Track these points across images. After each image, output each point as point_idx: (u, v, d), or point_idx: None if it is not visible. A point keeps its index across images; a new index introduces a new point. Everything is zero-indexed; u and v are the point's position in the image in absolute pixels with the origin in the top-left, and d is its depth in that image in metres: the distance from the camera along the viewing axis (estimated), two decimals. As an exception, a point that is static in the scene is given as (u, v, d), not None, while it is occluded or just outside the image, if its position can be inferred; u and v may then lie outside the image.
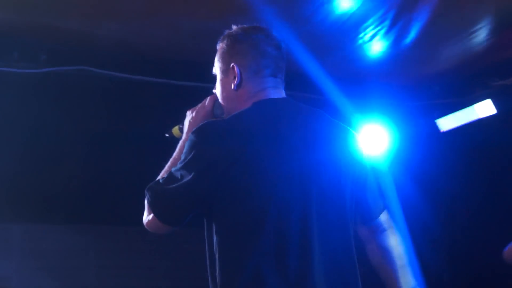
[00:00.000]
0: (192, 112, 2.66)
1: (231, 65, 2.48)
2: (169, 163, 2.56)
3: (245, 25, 2.55)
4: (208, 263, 2.39)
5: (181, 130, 2.74)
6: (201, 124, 2.39)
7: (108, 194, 6.20)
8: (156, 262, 6.64)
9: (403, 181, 6.72)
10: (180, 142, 2.60)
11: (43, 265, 6.28)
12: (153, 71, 5.52)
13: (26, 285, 6.20)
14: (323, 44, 5.36)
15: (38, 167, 5.98)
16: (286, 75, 2.60)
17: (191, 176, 2.26)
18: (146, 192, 2.41)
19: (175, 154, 2.57)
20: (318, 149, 2.37)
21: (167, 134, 2.85)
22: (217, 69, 2.56)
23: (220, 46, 2.55)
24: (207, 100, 2.64)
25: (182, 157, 2.35)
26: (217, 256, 2.31)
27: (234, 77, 2.46)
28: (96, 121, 5.95)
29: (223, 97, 2.53)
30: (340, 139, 2.48)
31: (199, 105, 2.66)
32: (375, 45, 5.43)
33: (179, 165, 2.34)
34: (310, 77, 5.53)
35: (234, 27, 2.57)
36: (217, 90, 2.56)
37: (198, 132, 2.34)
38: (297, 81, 5.90)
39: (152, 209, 2.37)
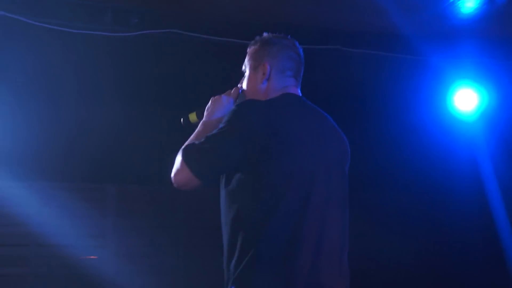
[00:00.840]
0: (216, 100, 2.98)
1: (262, 63, 2.91)
2: (193, 136, 2.86)
3: (275, 34, 3.01)
4: (228, 228, 2.66)
5: (199, 116, 3.00)
6: (244, 100, 2.79)
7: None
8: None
9: (493, 143, 6.65)
10: (203, 123, 2.92)
11: (136, 224, 6.52)
12: (241, 33, 5.55)
13: (120, 243, 6.47)
14: (414, 2, 5.25)
15: (133, 129, 6.19)
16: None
17: (231, 139, 2.61)
18: (182, 150, 2.70)
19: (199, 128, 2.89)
20: (334, 142, 2.85)
21: (182, 119, 3.06)
22: (247, 66, 2.97)
23: (252, 48, 2.99)
24: (232, 91, 3.00)
25: (222, 125, 2.66)
26: (241, 218, 2.61)
27: (263, 73, 2.90)
28: (186, 82, 6.05)
29: (251, 90, 2.92)
30: (341, 138, 2.92)
31: (223, 94, 2.99)
32: (468, 1, 5.27)
33: (218, 130, 2.65)
34: (403, 37, 5.46)
35: (265, 34, 3.01)
36: (245, 84, 2.97)
37: (243, 104, 2.70)
38: (391, 41, 5.83)
39: (187, 162, 2.63)
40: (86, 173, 6.23)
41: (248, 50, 3.01)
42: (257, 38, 3.02)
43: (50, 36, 5.18)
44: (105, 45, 5.43)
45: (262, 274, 2.53)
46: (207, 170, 2.63)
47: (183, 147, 2.72)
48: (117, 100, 5.99)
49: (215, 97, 3.00)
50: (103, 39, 5.34)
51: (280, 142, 2.60)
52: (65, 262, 6.12)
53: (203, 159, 2.62)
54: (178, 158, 2.69)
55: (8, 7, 5.02)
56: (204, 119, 2.93)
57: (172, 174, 2.70)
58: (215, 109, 2.93)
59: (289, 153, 2.62)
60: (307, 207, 2.62)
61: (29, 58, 5.46)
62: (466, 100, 6.55)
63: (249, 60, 2.99)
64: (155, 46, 5.64)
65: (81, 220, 6.28)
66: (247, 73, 2.99)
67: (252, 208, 2.59)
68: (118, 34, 5.34)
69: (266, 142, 2.58)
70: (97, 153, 6.08)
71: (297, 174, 2.62)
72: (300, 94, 2.95)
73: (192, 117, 3.04)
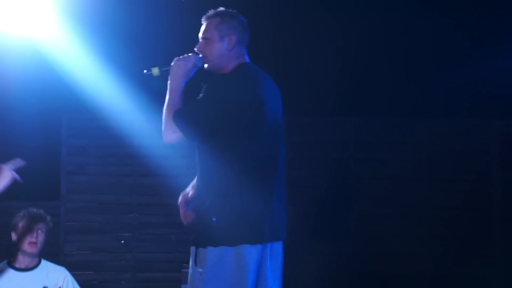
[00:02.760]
0: (178, 61, 3.55)
1: (228, 34, 3.54)
2: (166, 102, 3.48)
3: (230, 9, 3.64)
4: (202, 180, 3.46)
5: (161, 71, 3.56)
6: (239, 74, 3.50)
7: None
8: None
9: None
10: (170, 86, 3.51)
11: (310, 156, 6.62)
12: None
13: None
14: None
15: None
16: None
17: (219, 106, 3.37)
18: (175, 113, 3.40)
19: (168, 98, 3.49)
20: (279, 104, 3.60)
21: (145, 70, 3.58)
22: (212, 34, 3.55)
23: (214, 19, 3.57)
24: (191, 55, 3.57)
25: (209, 94, 3.40)
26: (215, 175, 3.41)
27: (230, 43, 3.55)
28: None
29: (215, 56, 3.54)
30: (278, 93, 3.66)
31: (184, 57, 3.56)
32: None
33: (205, 98, 3.39)
34: None
35: (222, 8, 3.62)
36: (208, 49, 3.55)
37: (228, 77, 3.48)
38: None
39: (183, 123, 3.37)
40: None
41: (208, 20, 3.58)
42: (215, 11, 3.60)
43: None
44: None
45: None
46: (197, 130, 3.42)
47: (176, 112, 3.40)
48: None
49: (179, 58, 3.55)
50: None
51: (257, 113, 3.41)
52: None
53: (194, 120, 3.40)
54: (172, 119, 3.38)
55: None
56: (170, 79, 3.51)
57: (164, 133, 3.39)
58: (177, 70, 3.52)
59: (265, 125, 3.44)
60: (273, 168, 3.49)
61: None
62: None
63: (214, 29, 3.54)
64: None
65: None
66: (211, 41, 3.54)
67: (228, 167, 3.42)
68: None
69: (246, 111, 3.42)
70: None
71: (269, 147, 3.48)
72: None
73: (155, 70, 3.57)
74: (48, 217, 4.67)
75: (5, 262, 4.63)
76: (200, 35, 3.59)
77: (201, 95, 3.41)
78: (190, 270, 3.46)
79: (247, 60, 3.62)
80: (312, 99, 6.49)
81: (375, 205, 6.58)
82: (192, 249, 3.45)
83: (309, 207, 6.50)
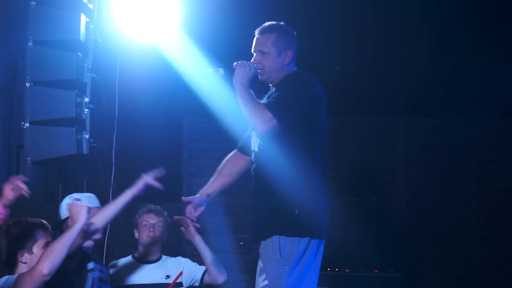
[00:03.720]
0: (242, 67, 3.72)
1: (285, 51, 3.83)
2: (246, 100, 3.69)
3: (283, 23, 3.92)
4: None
5: (225, 73, 3.81)
6: (304, 75, 3.85)
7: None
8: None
9: None
10: (242, 89, 3.72)
11: (425, 158, 6.61)
12: None
13: (409, 177, 6.64)
14: None
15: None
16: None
17: (303, 102, 3.68)
18: (268, 105, 3.66)
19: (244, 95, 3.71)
20: None
21: (210, 68, 3.88)
22: (270, 50, 3.81)
23: (273, 34, 3.83)
24: (251, 64, 3.77)
25: (294, 91, 3.70)
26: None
27: (286, 59, 3.83)
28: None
29: (274, 69, 3.82)
30: None
31: (246, 64, 3.74)
32: None
33: (291, 95, 3.68)
34: None
35: (275, 22, 3.88)
36: (266, 63, 3.81)
37: (305, 79, 3.81)
38: None
39: (275, 112, 3.61)
40: (376, 108, 6.50)
41: (264, 35, 3.82)
42: (270, 26, 3.86)
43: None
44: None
45: None
46: (288, 120, 3.66)
47: (269, 104, 3.66)
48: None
49: (241, 64, 3.72)
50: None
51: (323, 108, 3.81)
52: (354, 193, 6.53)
53: (286, 112, 3.64)
54: (266, 109, 3.61)
55: None
56: (238, 81, 3.71)
57: (260, 121, 3.60)
58: (240, 76, 3.70)
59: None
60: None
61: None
62: None
63: (272, 44, 3.81)
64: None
65: (371, 154, 6.59)
66: (269, 57, 3.80)
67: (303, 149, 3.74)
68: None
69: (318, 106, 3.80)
70: (384, 87, 6.32)
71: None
72: None
73: (220, 71, 3.84)
74: (165, 213, 4.93)
75: (130, 256, 4.91)
76: (257, 48, 3.85)
77: (281, 92, 3.70)
78: (270, 257, 3.64)
79: (295, 67, 3.92)
80: (432, 100, 6.39)
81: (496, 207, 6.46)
82: (276, 238, 3.61)
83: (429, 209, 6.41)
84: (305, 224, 3.63)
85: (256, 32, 3.89)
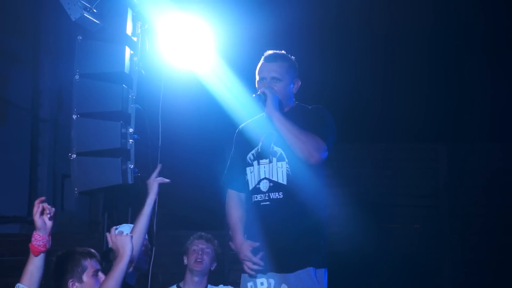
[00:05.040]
0: (271, 93, 3.79)
1: (297, 79, 3.95)
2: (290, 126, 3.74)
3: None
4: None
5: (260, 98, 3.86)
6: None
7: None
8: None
9: None
10: (281, 116, 3.78)
11: (470, 183, 6.55)
12: None
13: (452, 202, 6.55)
14: None
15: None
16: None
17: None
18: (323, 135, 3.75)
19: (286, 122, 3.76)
20: None
21: (254, 94, 3.91)
22: (284, 77, 3.88)
23: (286, 63, 3.91)
24: (269, 91, 3.83)
25: (327, 122, 3.82)
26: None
27: (296, 87, 3.94)
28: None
29: (284, 96, 3.88)
30: None
31: (272, 90, 3.82)
32: None
33: (327, 126, 3.80)
34: None
35: (284, 52, 3.97)
36: (278, 89, 3.85)
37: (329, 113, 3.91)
38: None
39: (328, 140, 3.73)
40: (417, 133, 6.50)
41: (278, 63, 3.88)
42: (282, 55, 3.94)
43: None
44: None
45: None
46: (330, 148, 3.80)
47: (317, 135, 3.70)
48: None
49: (270, 90, 3.80)
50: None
51: None
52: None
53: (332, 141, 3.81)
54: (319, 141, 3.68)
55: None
56: (273, 108, 3.76)
57: (318, 150, 3.65)
58: (272, 100, 3.77)
59: None
60: None
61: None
62: None
63: (284, 73, 3.89)
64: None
65: (413, 180, 6.55)
66: (282, 83, 3.87)
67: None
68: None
69: None
70: (424, 112, 6.34)
71: None
72: None
73: (262, 96, 3.85)
74: (216, 241, 4.94)
75: (175, 285, 4.93)
76: (269, 74, 3.87)
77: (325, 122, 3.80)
78: None
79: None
80: (470, 124, 6.37)
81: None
82: (311, 270, 3.60)
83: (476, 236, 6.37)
84: (326, 254, 3.72)
85: (264, 59, 3.91)
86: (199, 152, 6.28)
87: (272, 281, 3.67)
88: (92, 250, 3.83)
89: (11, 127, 6.57)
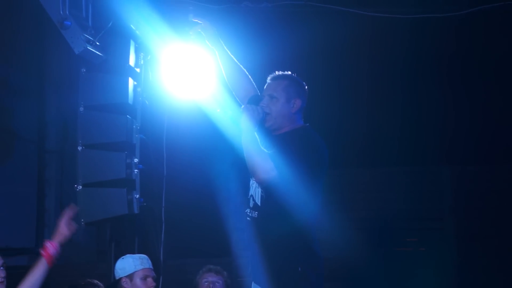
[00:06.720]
0: (249, 110, 3.71)
1: (295, 99, 3.83)
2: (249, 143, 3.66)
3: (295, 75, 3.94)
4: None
5: (232, 114, 3.79)
6: (313, 135, 3.82)
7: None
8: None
9: None
10: (247, 132, 3.69)
11: (475, 205, 6.53)
12: None
13: (456, 225, 6.54)
14: None
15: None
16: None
17: (307, 163, 3.67)
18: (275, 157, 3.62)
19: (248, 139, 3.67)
20: None
21: (218, 109, 3.90)
22: (280, 95, 3.81)
23: (284, 81, 3.86)
24: (259, 108, 3.77)
25: (303, 150, 3.66)
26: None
27: (294, 107, 3.82)
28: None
29: (280, 114, 3.80)
30: None
31: (254, 108, 3.73)
32: None
33: (299, 154, 3.63)
34: None
35: (289, 72, 3.92)
36: (274, 107, 3.80)
37: (314, 140, 3.77)
38: None
39: (278, 165, 3.58)
40: (421, 156, 6.51)
41: (276, 81, 3.85)
42: (283, 73, 3.90)
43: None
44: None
45: None
46: None
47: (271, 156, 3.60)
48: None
49: (249, 108, 3.73)
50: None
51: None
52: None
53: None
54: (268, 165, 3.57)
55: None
56: (245, 123, 3.68)
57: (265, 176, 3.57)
58: (248, 119, 3.68)
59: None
60: None
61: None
62: None
63: (283, 90, 3.82)
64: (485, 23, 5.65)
65: (419, 203, 6.55)
66: (278, 101, 3.80)
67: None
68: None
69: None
70: (428, 135, 6.36)
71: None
72: None
73: (228, 112, 3.82)
74: (225, 273, 4.97)
75: None
76: (266, 92, 3.86)
77: (290, 149, 3.64)
78: None
79: (303, 123, 3.90)
80: (478, 147, 6.39)
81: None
82: None
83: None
84: (309, 282, 3.61)
85: (268, 78, 3.90)
86: (204, 179, 6.31)
87: None
88: (95, 281, 3.86)
89: (18, 159, 6.63)
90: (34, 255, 6.41)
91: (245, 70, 4.04)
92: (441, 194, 6.60)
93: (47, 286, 6.01)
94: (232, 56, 4.03)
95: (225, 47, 4.02)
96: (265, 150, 3.63)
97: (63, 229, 3.56)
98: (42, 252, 3.53)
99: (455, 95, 6.26)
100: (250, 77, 4.04)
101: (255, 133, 3.67)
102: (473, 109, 6.32)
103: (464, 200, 6.56)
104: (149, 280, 4.46)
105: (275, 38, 5.97)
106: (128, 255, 4.62)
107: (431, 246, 6.55)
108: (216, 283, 4.86)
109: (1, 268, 3.40)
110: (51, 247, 3.54)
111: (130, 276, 4.45)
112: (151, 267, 4.53)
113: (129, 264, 4.48)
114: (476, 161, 6.48)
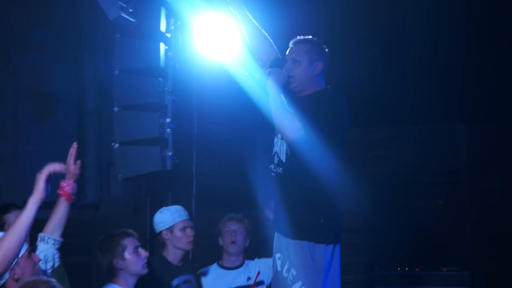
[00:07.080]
0: (276, 73, 3.87)
1: (317, 61, 3.98)
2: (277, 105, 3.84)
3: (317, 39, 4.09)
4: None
5: (261, 77, 3.92)
6: (335, 96, 3.99)
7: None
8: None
9: None
10: (274, 95, 3.86)
11: (490, 161, 6.74)
12: None
13: (473, 180, 6.79)
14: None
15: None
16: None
17: (330, 123, 3.88)
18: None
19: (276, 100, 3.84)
20: None
21: (246, 73, 4.04)
22: (303, 58, 3.96)
23: (307, 45, 4.00)
24: (284, 71, 3.92)
25: (325, 110, 3.86)
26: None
27: (317, 69, 3.98)
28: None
29: (303, 77, 3.96)
30: None
31: (280, 72, 3.88)
32: None
33: (316, 114, 3.82)
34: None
35: (311, 36, 4.07)
36: (297, 71, 3.94)
37: (336, 101, 3.95)
38: None
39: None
40: (437, 114, 6.69)
41: (299, 45, 3.99)
42: (305, 38, 4.04)
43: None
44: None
45: None
46: None
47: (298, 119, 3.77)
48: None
49: (275, 71, 3.88)
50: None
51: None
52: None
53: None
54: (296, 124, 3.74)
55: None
56: (272, 87, 3.82)
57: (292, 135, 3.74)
58: (280, 81, 3.85)
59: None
60: None
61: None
62: None
63: (306, 54, 3.96)
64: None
65: (434, 159, 6.76)
66: (301, 64, 3.94)
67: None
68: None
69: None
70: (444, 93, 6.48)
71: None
72: None
73: (256, 75, 3.95)
74: (246, 220, 5.16)
75: (215, 263, 5.19)
76: (290, 56, 4.00)
77: (313, 109, 3.82)
78: (304, 264, 3.80)
79: (325, 85, 4.04)
80: (492, 104, 6.55)
81: None
82: (305, 243, 3.81)
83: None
84: (331, 232, 3.87)
85: (291, 42, 4.05)
86: (232, 138, 6.52)
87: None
88: (129, 230, 4.11)
89: (59, 120, 6.97)
90: (76, 209, 6.81)
91: (266, 34, 4.19)
92: (456, 151, 6.82)
93: (87, 236, 6.42)
94: (255, 21, 4.20)
95: (247, 13, 4.20)
96: (291, 110, 3.79)
97: (74, 168, 3.84)
98: (60, 192, 3.79)
99: (470, 52, 6.41)
100: (271, 41, 4.19)
101: (281, 95, 3.84)
102: (486, 66, 6.44)
103: (478, 156, 6.77)
104: (188, 230, 4.67)
105: (296, 4, 6.13)
106: (164, 208, 4.84)
107: (447, 200, 6.78)
108: (238, 231, 5.05)
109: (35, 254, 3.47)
110: (67, 186, 3.82)
111: (170, 229, 4.64)
112: (188, 217, 4.74)
113: (168, 218, 4.67)
114: (490, 119, 6.68)
